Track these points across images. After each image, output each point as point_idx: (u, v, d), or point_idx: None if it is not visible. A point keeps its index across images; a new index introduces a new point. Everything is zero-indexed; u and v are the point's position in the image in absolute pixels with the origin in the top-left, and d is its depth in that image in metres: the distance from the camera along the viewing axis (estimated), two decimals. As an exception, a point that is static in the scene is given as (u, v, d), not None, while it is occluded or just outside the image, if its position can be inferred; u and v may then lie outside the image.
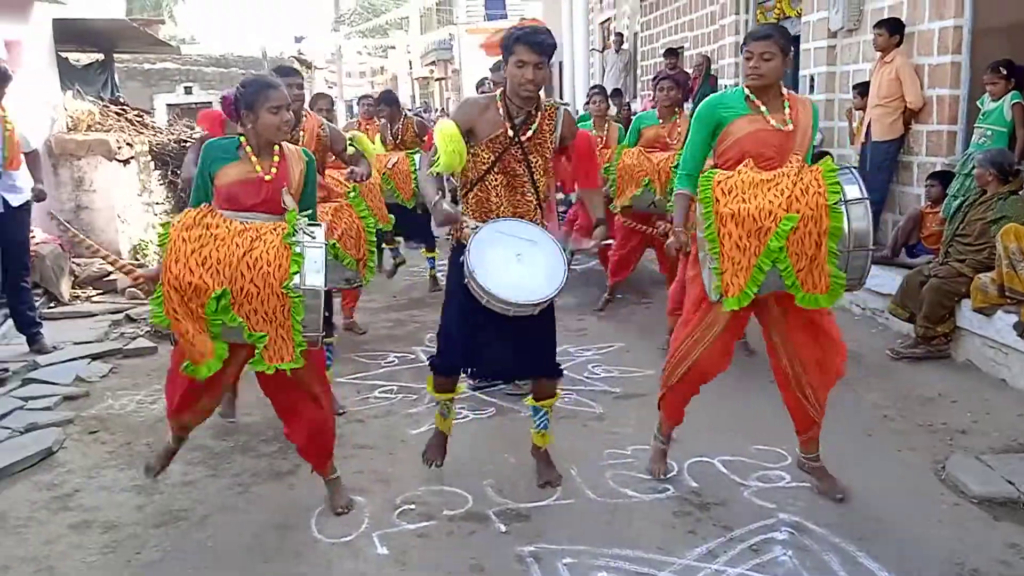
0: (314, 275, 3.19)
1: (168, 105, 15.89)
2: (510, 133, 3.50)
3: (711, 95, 3.68)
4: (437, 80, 40.43)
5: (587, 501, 3.69)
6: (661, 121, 6.23)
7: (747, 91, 3.47)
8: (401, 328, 6.70)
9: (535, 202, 3.60)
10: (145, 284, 3.27)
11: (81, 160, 8.18)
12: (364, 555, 3.30)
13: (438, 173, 3.50)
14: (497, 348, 3.60)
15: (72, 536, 3.49)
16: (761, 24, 3.24)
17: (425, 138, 7.56)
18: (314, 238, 3.24)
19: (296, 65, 22.69)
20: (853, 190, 3.25)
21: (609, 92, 8.07)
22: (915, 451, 4.13)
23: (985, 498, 3.59)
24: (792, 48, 3.49)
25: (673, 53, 11.51)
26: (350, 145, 4.78)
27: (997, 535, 3.35)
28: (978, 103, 6.00)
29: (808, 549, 3.25)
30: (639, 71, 14.40)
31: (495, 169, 3.54)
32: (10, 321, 6.05)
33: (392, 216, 6.60)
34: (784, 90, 3.48)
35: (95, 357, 5.83)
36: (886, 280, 6.08)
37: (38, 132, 6.07)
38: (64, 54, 10.41)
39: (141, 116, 10.25)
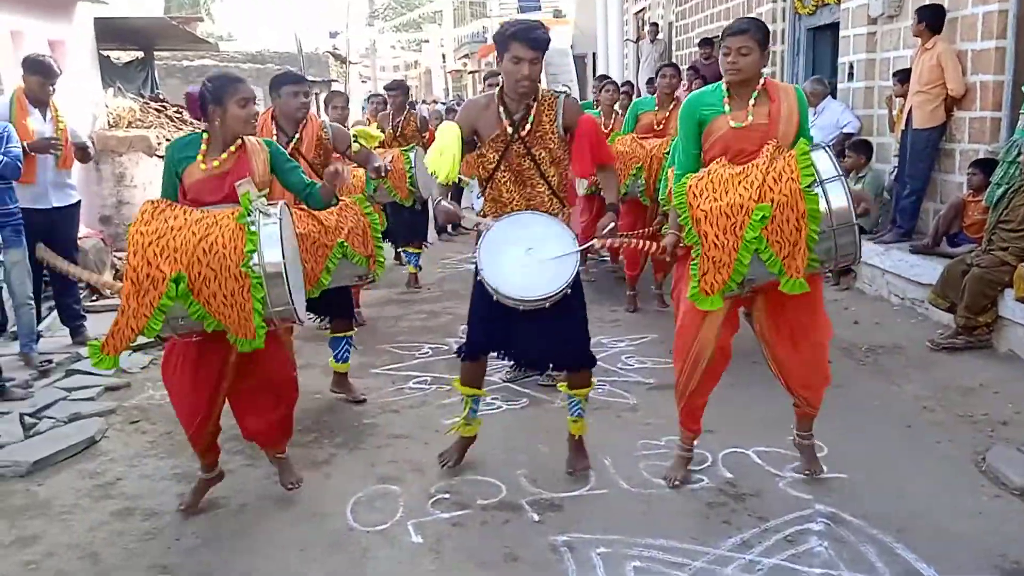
0: (271, 251, 3.17)
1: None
2: (509, 131, 3.53)
3: (692, 93, 3.66)
4: (470, 73, 40.46)
5: (621, 491, 3.69)
6: (658, 107, 6.38)
7: (724, 87, 3.43)
8: (435, 320, 6.74)
9: (548, 192, 3.61)
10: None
11: (122, 156, 8.33)
12: (399, 543, 3.33)
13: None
14: (528, 337, 3.61)
15: (115, 523, 3.57)
16: (739, 18, 3.23)
17: (426, 134, 7.56)
18: (268, 215, 3.23)
19: (331, 61, 22.91)
20: (827, 169, 3.20)
21: (644, 82, 8.03)
22: (955, 442, 4.07)
23: (1027, 490, 3.52)
24: (769, 42, 3.42)
25: (708, 43, 11.39)
26: (355, 142, 4.80)
27: (1039, 528, 3.28)
28: (1023, 88, 5.87)
29: (844, 540, 3.22)
30: (675, 61, 14.27)
31: (501, 167, 3.59)
32: (54, 314, 6.19)
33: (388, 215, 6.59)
34: (762, 82, 3.40)
35: (135, 348, 5.90)
36: (926, 270, 5.98)
37: (81, 130, 6.18)
38: (105, 52, 10.60)
39: (180, 112, 10.39)
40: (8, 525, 3.57)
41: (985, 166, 5.94)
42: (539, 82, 3.53)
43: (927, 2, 6.71)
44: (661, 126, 6.34)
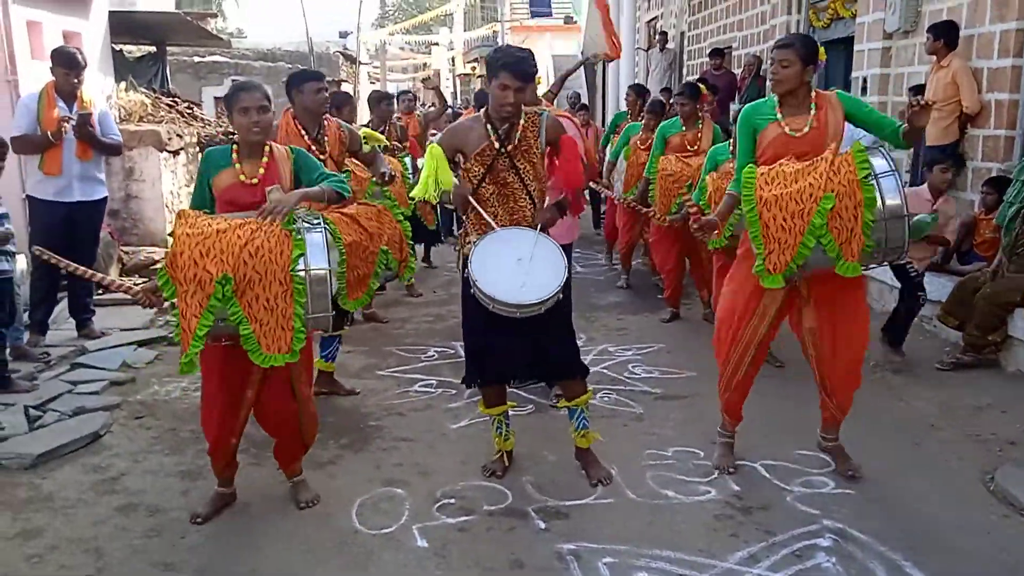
0: (317, 258, 3.26)
1: (216, 98, 16.07)
2: (496, 145, 3.63)
3: (748, 104, 3.98)
4: (479, 77, 40.46)
5: (627, 501, 3.67)
6: (684, 128, 6.43)
7: (775, 98, 3.73)
8: (441, 323, 6.73)
9: (530, 207, 3.71)
10: (144, 298, 3.37)
11: (132, 150, 8.32)
12: (404, 547, 3.32)
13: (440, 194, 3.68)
14: (520, 353, 3.68)
15: (118, 518, 3.56)
16: (789, 34, 3.79)
17: (407, 143, 7.49)
18: (313, 224, 3.33)
19: (341, 60, 22.92)
20: (881, 164, 3.49)
21: (651, 101, 8.03)
22: (963, 461, 4.05)
23: (1036, 511, 3.51)
24: (816, 55, 3.69)
25: (718, 53, 11.39)
26: (364, 144, 4.89)
27: (1049, 549, 3.26)
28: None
29: (853, 557, 3.19)
30: (685, 71, 14.27)
31: (486, 180, 3.67)
32: (62, 305, 6.17)
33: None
34: (812, 92, 3.69)
35: (141, 344, 5.93)
36: (936, 287, 5.95)
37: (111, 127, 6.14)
38: (118, 46, 10.60)
39: (191, 108, 10.40)
40: (12, 518, 3.56)
41: (999, 185, 5.92)
42: (521, 107, 3.64)
43: (944, 18, 6.70)
44: (695, 146, 6.34)
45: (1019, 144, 6.20)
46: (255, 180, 3.41)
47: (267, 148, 3.48)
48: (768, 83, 3.70)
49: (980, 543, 3.31)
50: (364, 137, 4.93)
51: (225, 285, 3.13)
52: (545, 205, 3.76)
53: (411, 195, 3.83)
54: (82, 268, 3.53)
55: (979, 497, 3.69)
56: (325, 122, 4.66)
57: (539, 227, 3.64)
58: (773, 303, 3.73)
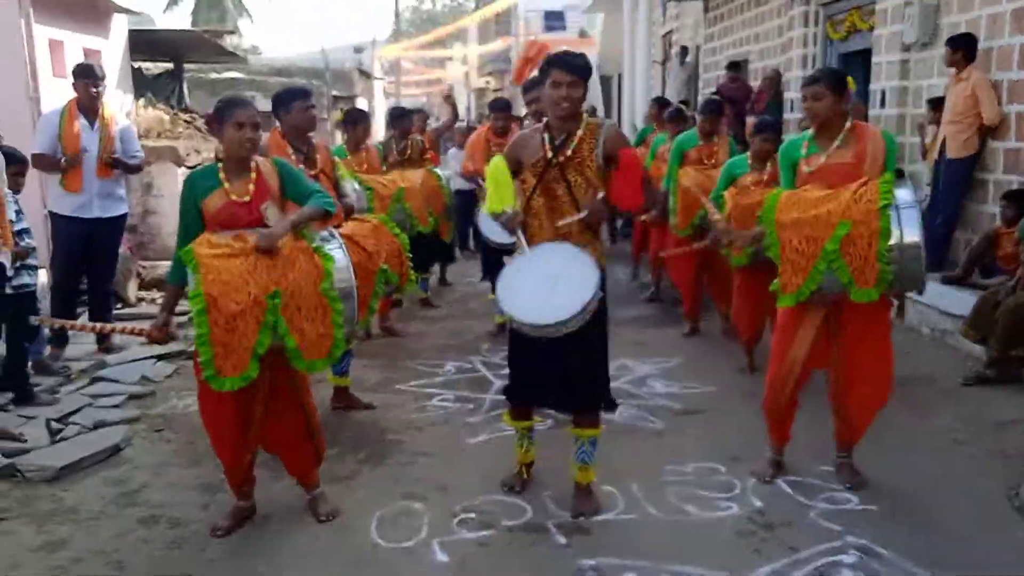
0: (343, 274, 3.42)
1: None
2: (549, 155, 3.54)
3: (787, 140, 4.10)
4: (494, 91, 40.63)
5: (648, 517, 3.64)
6: (702, 143, 6.44)
7: (811, 132, 3.84)
8: (458, 338, 6.72)
9: (580, 224, 3.52)
10: (157, 335, 3.42)
11: (151, 166, 8.39)
12: (424, 561, 3.31)
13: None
14: (546, 377, 3.59)
15: (140, 531, 3.57)
16: (817, 69, 3.89)
17: (427, 156, 7.49)
18: (331, 240, 3.47)
19: (356, 76, 23.05)
20: (905, 197, 3.55)
21: (670, 110, 8.00)
22: (987, 477, 4.00)
23: (1062, 527, 3.46)
24: (846, 85, 3.81)
25: (735, 66, 11.39)
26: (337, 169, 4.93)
27: (1076, 566, 3.21)
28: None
29: (877, 573, 3.16)
30: (701, 83, 14.27)
31: (537, 192, 3.59)
32: (83, 319, 6.21)
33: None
34: (849, 124, 3.73)
35: (160, 358, 5.96)
36: (957, 301, 5.91)
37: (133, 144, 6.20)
38: (136, 64, 10.73)
39: (209, 124, 10.49)
40: (36, 530, 3.58)
41: (1017, 198, 5.88)
42: (579, 107, 3.51)
43: (963, 31, 6.67)
44: (711, 160, 6.35)
45: (1040, 157, 6.16)
46: (247, 198, 3.38)
47: (253, 164, 3.45)
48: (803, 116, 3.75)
49: (1005, 559, 3.27)
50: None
51: (275, 299, 3.19)
52: (599, 196, 3.51)
53: (487, 210, 3.67)
54: (90, 324, 3.61)
55: (1003, 513, 3.65)
56: (314, 141, 4.70)
57: (584, 214, 3.46)
58: (807, 336, 3.76)
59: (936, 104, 6.93)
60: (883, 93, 8.07)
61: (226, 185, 3.39)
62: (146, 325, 3.63)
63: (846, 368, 3.80)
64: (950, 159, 6.55)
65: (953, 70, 6.54)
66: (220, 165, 3.45)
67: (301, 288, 3.27)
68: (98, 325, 3.66)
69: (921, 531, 3.47)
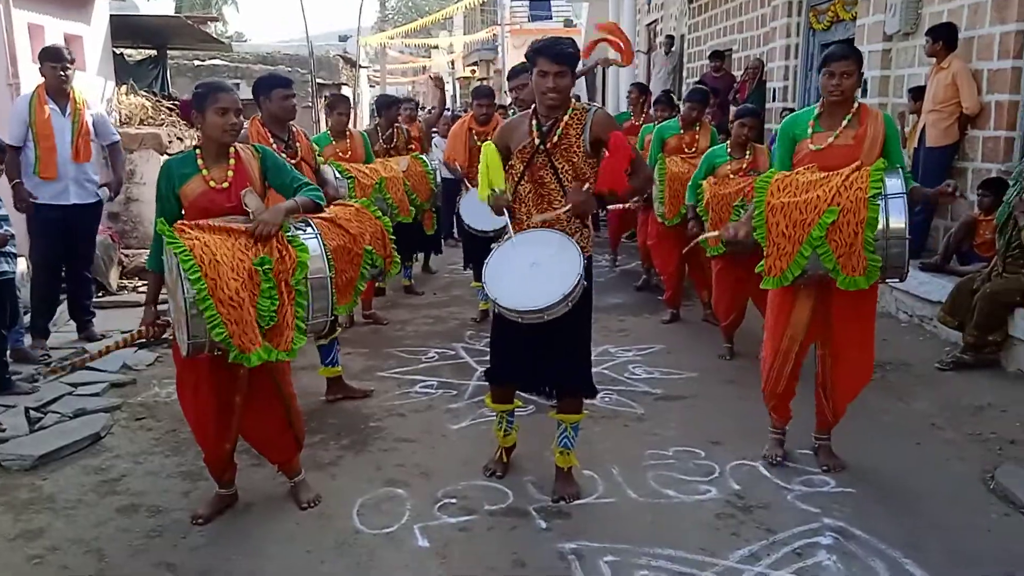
0: (316, 262, 3.37)
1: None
2: (536, 141, 3.52)
3: (790, 115, 4.04)
4: (479, 80, 40.53)
5: (628, 500, 3.67)
6: (683, 131, 6.45)
7: (818, 109, 3.77)
8: (441, 324, 6.73)
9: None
10: (150, 332, 3.41)
11: (133, 153, 8.34)
12: (405, 547, 3.32)
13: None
14: (527, 360, 3.60)
15: (120, 519, 3.56)
16: (838, 45, 3.84)
17: (412, 146, 7.48)
18: (306, 229, 3.42)
19: (341, 64, 22.93)
20: (895, 185, 3.52)
21: (657, 95, 7.99)
22: (964, 460, 4.05)
23: (1036, 510, 3.51)
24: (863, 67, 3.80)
25: (718, 56, 11.40)
26: (319, 158, 4.98)
27: (1049, 548, 3.26)
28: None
29: (853, 555, 3.20)
30: (685, 73, 14.28)
31: (524, 178, 3.57)
32: (61, 307, 6.18)
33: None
34: (856, 106, 3.70)
35: (141, 346, 5.92)
36: (935, 287, 5.97)
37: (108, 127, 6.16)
38: (118, 50, 10.63)
39: (184, 110, 10.41)
40: (13, 518, 3.56)
41: (995, 187, 5.92)
42: (568, 96, 3.48)
43: (944, 20, 6.71)
44: (693, 148, 6.36)
45: (1019, 145, 6.21)
46: (226, 184, 3.35)
47: (232, 150, 3.41)
48: (827, 95, 3.67)
49: (981, 541, 3.31)
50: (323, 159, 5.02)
51: (265, 264, 3.17)
52: (584, 188, 3.47)
53: (478, 196, 3.67)
54: (88, 355, 3.62)
55: (980, 496, 3.70)
56: (294, 128, 4.68)
57: (566, 208, 3.43)
58: (802, 315, 3.79)
59: (917, 93, 6.97)
60: (865, 83, 8.10)
61: (204, 172, 3.35)
62: (133, 319, 3.62)
63: (834, 344, 3.84)
64: (930, 147, 6.60)
65: (934, 60, 6.58)
66: (198, 151, 3.40)
67: (277, 272, 3.24)
68: (99, 350, 3.70)
69: (898, 513, 3.52)
